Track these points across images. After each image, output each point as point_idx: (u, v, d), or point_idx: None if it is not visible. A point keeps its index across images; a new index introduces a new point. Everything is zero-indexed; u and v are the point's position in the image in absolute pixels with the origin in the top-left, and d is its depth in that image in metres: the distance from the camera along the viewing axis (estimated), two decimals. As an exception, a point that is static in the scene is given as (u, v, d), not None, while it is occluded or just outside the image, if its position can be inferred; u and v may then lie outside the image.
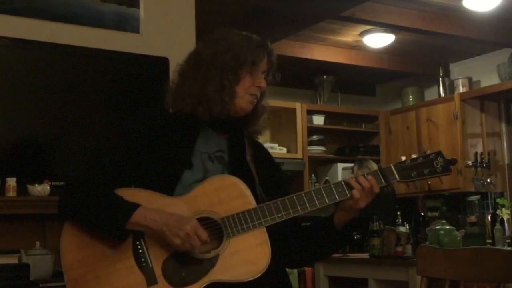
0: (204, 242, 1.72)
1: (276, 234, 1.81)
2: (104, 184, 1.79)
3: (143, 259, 1.74)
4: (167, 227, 1.71)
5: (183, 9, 3.92)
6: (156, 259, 1.75)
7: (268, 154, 2.09)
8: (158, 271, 1.73)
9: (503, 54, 6.05)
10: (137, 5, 3.75)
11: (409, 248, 4.00)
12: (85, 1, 3.60)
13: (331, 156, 6.48)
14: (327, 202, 1.81)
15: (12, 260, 3.04)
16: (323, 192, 1.81)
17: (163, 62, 3.61)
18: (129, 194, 1.78)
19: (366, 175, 1.82)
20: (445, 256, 2.14)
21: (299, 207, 1.79)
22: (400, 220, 4.51)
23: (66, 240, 1.79)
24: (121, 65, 3.60)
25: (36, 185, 3.20)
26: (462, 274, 2.09)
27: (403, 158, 1.87)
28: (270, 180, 1.95)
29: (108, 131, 3.47)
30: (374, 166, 5.07)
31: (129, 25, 3.72)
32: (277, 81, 1.97)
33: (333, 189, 1.81)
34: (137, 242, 1.76)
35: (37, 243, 3.26)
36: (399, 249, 4.02)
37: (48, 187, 3.22)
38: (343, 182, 1.82)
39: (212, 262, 1.74)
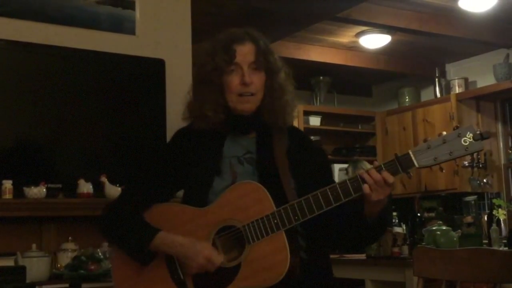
0: (220, 263, 1.78)
1: (319, 220, 1.79)
2: (137, 205, 1.90)
3: (175, 272, 1.85)
4: (182, 256, 1.81)
5: (179, 11, 3.91)
6: (188, 271, 1.84)
7: (307, 140, 2.05)
8: (189, 284, 1.83)
9: (499, 55, 6.06)
10: (132, 7, 3.74)
11: (405, 248, 4.00)
12: (80, 3, 3.59)
13: (328, 157, 6.47)
14: (343, 199, 1.74)
15: (8, 262, 3.03)
16: (338, 189, 1.74)
17: (159, 63, 3.61)
18: (162, 210, 1.90)
19: (382, 165, 1.73)
20: (441, 257, 2.14)
21: (315, 208, 1.74)
22: (397, 220, 4.51)
23: (113, 259, 2.04)
24: (117, 67, 3.58)
25: (32, 187, 3.18)
26: (458, 275, 2.09)
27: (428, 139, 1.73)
28: (309, 169, 1.91)
29: (104, 133, 3.47)
30: (368, 167, 5.05)
31: (125, 27, 3.71)
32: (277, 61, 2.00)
33: (349, 184, 1.74)
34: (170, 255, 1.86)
35: (34, 245, 3.24)
36: (396, 249, 4.01)
37: (44, 189, 3.21)
38: (358, 176, 1.74)
39: (236, 269, 1.78)
